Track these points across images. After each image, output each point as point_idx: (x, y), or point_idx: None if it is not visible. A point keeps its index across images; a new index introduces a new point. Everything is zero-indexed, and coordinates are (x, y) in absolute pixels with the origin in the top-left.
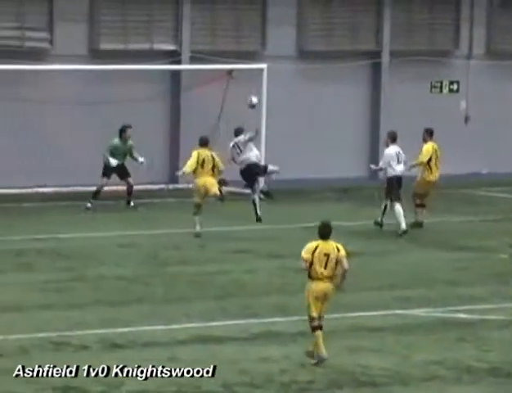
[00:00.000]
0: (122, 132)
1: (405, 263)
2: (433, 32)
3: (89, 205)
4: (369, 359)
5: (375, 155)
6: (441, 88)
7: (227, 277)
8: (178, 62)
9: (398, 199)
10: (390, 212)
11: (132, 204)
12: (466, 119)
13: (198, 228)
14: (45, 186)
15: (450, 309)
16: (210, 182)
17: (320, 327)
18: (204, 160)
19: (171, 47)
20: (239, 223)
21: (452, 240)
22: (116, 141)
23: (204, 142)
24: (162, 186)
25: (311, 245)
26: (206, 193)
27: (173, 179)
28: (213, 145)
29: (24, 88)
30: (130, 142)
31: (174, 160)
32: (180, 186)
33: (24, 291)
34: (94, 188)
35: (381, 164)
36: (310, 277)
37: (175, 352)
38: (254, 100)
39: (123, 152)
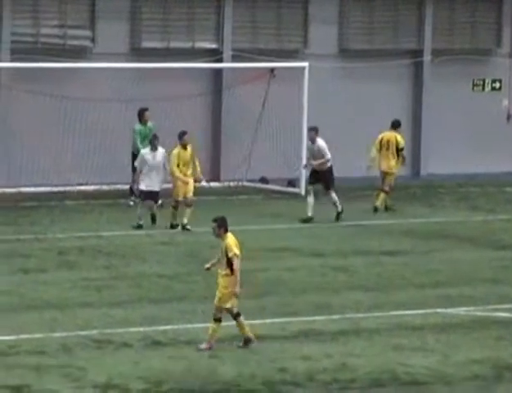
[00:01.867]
0: (140, 115)
1: (449, 261)
2: (475, 30)
3: (131, 203)
4: (411, 357)
5: (416, 153)
6: (483, 86)
7: (267, 275)
8: (220, 60)
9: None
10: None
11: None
12: (508, 118)
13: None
14: (86, 184)
15: (491, 307)
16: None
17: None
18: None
19: (212, 46)
20: (280, 222)
21: (496, 238)
22: (138, 126)
23: (178, 136)
24: (204, 182)
25: (235, 240)
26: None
27: (215, 177)
28: (254, 143)
29: (66, 86)
30: (150, 124)
31: (216, 158)
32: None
33: (66, 289)
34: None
35: (328, 155)
36: (232, 271)
37: (216, 350)
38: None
39: (145, 136)
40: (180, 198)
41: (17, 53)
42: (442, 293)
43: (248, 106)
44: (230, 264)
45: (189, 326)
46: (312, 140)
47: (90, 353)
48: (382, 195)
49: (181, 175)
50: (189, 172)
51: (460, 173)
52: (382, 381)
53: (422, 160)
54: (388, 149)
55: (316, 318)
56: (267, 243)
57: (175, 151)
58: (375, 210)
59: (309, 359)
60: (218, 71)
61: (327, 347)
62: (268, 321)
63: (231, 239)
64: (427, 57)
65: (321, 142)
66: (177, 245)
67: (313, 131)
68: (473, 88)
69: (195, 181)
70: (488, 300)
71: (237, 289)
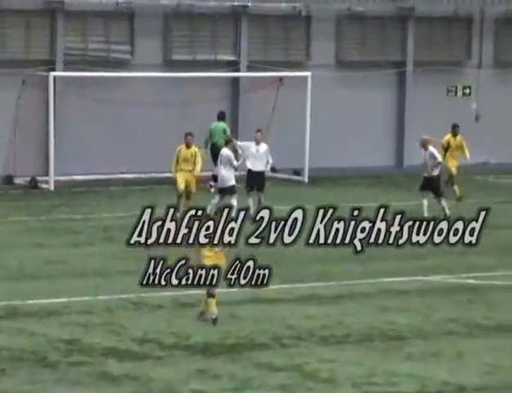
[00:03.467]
0: (222, 116)
1: None
2: (450, 45)
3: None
4: (396, 317)
5: (400, 147)
6: (455, 92)
7: (274, 248)
8: (237, 70)
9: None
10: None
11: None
12: (477, 118)
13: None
14: (127, 172)
15: (462, 275)
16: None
17: None
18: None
19: (231, 58)
20: (286, 204)
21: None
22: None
23: (184, 136)
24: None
25: None
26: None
27: None
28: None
29: (110, 92)
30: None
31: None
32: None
33: (109, 259)
34: (167, 174)
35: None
36: None
37: (234, 310)
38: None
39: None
40: (180, 190)
41: (69, 64)
42: (421, 264)
43: (260, 109)
44: None
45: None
46: (258, 141)
47: (129, 313)
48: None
49: (173, 170)
50: (188, 168)
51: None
52: (372, 337)
53: (405, 153)
54: None
55: (318, 284)
56: None
57: (177, 148)
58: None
59: (311, 318)
60: (236, 80)
61: (326, 308)
62: (277, 286)
63: None
64: (409, 68)
65: (264, 144)
66: None
67: (260, 132)
68: (447, 94)
69: (198, 181)
70: (459, 269)
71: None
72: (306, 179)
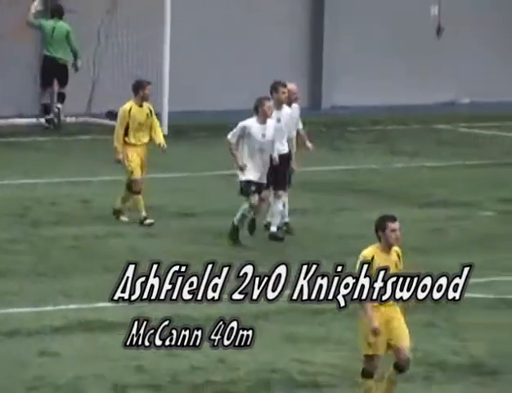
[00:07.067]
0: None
1: (361, 224)
2: None
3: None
4: (308, 351)
5: (316, 78)
6: None
7: (121, 243)
8: None
9: None
10: None
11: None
12: (439, 31)
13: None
14: None
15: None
16: None
17: None
18: None
19: None
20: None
21: (424, 193)
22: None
23: (134, 87)
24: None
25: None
26: None
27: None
28: (97, 60)
29: None
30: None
31: None
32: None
33: None
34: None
35: None
36: None
37: (49, 343)
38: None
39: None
40: (137, 184)
41: None
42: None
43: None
44: None
45: (13, 311)
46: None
47: None
48: None
49: (118, 145)
50: (144, 139)
51: (375, 105)
52: (270, 383)
53: (324, 88)
54: None
55: None
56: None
57: (123, 108)
58: None
59: (174, 356)
60: None
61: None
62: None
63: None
64: None
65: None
66: None
67: None
68: None
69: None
70: None
71: None
72: (166, 130)
